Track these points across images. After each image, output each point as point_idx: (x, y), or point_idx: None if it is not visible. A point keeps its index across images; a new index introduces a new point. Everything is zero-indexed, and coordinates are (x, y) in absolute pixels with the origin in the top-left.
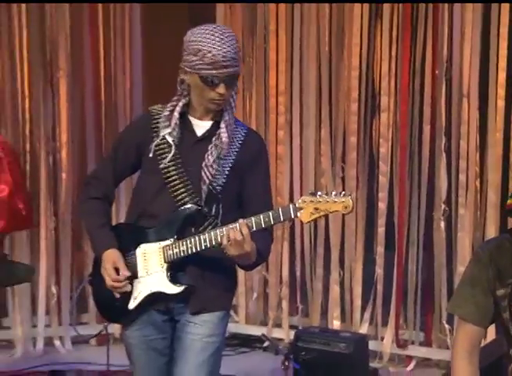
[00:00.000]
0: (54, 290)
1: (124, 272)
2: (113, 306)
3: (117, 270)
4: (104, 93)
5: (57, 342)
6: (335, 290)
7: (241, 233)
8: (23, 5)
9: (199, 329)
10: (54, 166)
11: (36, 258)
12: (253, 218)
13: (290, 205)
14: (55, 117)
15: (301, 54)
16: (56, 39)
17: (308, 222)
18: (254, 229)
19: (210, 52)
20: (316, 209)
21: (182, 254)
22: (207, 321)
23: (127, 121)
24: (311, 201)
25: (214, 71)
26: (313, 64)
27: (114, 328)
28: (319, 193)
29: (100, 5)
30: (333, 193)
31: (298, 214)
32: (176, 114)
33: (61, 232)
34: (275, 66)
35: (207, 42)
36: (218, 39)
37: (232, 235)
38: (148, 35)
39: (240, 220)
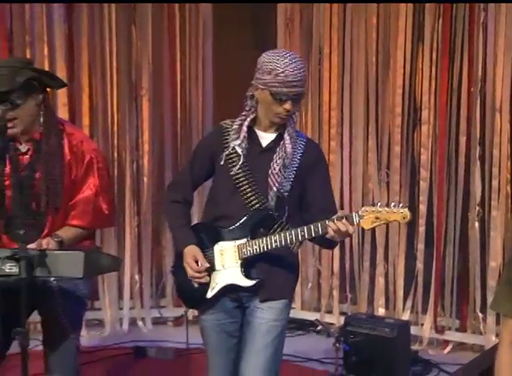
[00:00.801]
0: (137, 278)
1: (204, 264)
2: (192, 295)
3: (197, 263)
4: (180, 109)
5: (140, 323)
6: (380, 281)
7: (342, 223)
8: (114, 35)
9: (265, 314)
10: (137, 172)
11: (122, 251)
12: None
13: (354, 213)
14: (139, 129)
15: (351, 74)
16: (140, 63)
17: (369, 229)
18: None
19: (283, 72)
20: (377, 218)
21: (254, 252)
22: (272, 308)
23: (199, 133)
24: (373, 211)
25: (284, 89)
26: (361, 83)
27: (189, 312)
28: (379, 203)
29: (178, 34)
30: (393, 204)
31: (360, 221)
32: (244, 128)
33: (143, 228)
34: (328, 85)
35: (281, 64)
36: (290, 62)
37: (336, 226)
38: (218, 60)
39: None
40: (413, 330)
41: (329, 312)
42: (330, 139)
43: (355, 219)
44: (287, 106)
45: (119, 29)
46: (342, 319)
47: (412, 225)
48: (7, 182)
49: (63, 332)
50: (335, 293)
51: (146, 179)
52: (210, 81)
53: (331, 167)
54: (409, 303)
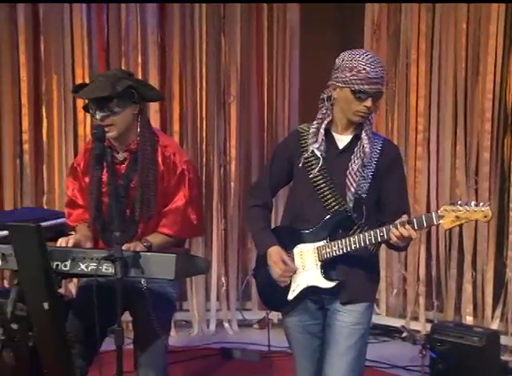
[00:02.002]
0: (223, 280)
1: (291, 264)
2: (274, 297)
3: (283, 263)
4: (267, 115)
5: (226, 324)
6: (468, 289)
7: (405, 229)
8: (204, 43)
9: (346, 317)
10: (224, 176)
11: (209, 253)
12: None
13: (433, 213)
14: (227, 135)
15: (438, 79)
16: (229, 72)
17: (449, 228)
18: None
19: (364, 69)
20: (457, 217)
21: (334, 253)
22: (353, 311)
23: None
24: (453, 210)
25: (365, 86)
26: (450, 88)
27: (273, 315)
28: (459, 202)
29: (265, 43)
30: (473, 203)
31: (440, 221)
32: (322, 131)
33: (229, 231)
34: (415, 90)
35: (362, 61)
36: (371, 60)
37: (399, 232)
38: (304, 65)
39: (404, 217)
40: (503, 339)
41: (415, 318)
42: (417, 145)
43: (435, 219)
44: (368, 103)
45: (209, 37)
46: (428, 327)
47: (501, 233)
48: (104, 190)
49: (152, 332)
50: (421, 300)
51: (233, 184)
52: (296, 87)
53: (417, 173)
54: (498, 311)
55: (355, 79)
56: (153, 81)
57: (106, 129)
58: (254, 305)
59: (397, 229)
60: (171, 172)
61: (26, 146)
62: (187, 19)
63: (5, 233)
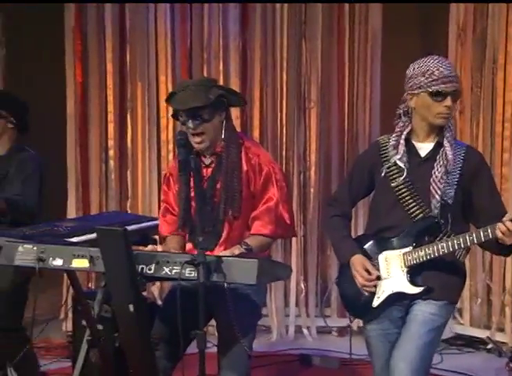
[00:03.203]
0: (302, 286)
1: (375, 272)
2: (358, 304)
3: (366, 272)
4: (347, 121)
5: (305, 330)
6: None
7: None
8: (285, 49)
9: (423, 306)
10: (304, 182)
11: (288, 259)
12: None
13: None
14: (307, 141)
15: None
16: (309, 76)
17: None
18: None
19: (437, 69)
20: None
21: (420, 259)
22: (431, 303)
23: (365, 146)
24: None
25: (441, 86)
26: None
27: (354, 322)
28: None
29: (347, 48)
30: None
31: None
32: (402, 141)
33: (308, 237)
34: (502, 96)
35: (434, 63)
36: (441, 61)
37: (505, 227)
38: (386, 70)
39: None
40: None
41: (501, 330)
42: (503, 152)
43: None
44: (448, 102)
45: (290, 43)
46: None
47: None
48: (192, 194)
49: (235, 337)
50: (507, 310)
51: (312, 190)
52: (378, 92)
53: (503, 180)
54: None
55: (430, 81)
56: (234, 87)
57: (199, 139)
58: (333, 312)
59: (504, 224)
60: (256, 174)
61: (111, 152)
62: (268, 24)
63: (93, 236)
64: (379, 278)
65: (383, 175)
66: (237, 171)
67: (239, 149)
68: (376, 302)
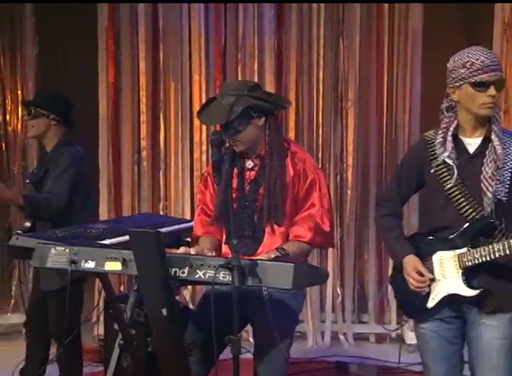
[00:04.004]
0: (339, 291)
1: (428, 275)
2: (412, 304)
3: (418, 274)
4: (386, 122)
5: (341, 337)
6: None
7: None
8: (322, 48)
9: (490, 332)
10: (341, 184)
11: (324, 263)
12: None
13: None
14: (343, 142)
15: None
16: (347, 76)
17: None
18: None
19: (478, 59)
20: None
21: (476, 261)
22: (499, 324)
23: (405, 148)
24: None
25: (484, 75)
26: None
27: (391, 329)
28: None
29: (386, 46)
30: None
31: None
32: (449, 138)
33: (345, 240)
34: None
35: (474, 53)
36: (482, 50)
37: None
38: (427, 70)
39: None
40: None
41: None
42: None
43: None
44: (492, 92)
45: (327, 41)
46: None
47: None
48: (234, 195)
49: (272, 342)
50: None
51: (349, 192)
52: (418, 92)
53: None
54: None
55: (471, 71)
56: (269, 87)
57: (235, 144)
58: (370, 318)
59: None
60: (301, 179)
61: (144, 153)
62: (305, 23)
63: (126, 238)
64: (433, 279)
65: (432, 172)
66: (281, 176)
67: (284, 154)
68: (430, 303)
